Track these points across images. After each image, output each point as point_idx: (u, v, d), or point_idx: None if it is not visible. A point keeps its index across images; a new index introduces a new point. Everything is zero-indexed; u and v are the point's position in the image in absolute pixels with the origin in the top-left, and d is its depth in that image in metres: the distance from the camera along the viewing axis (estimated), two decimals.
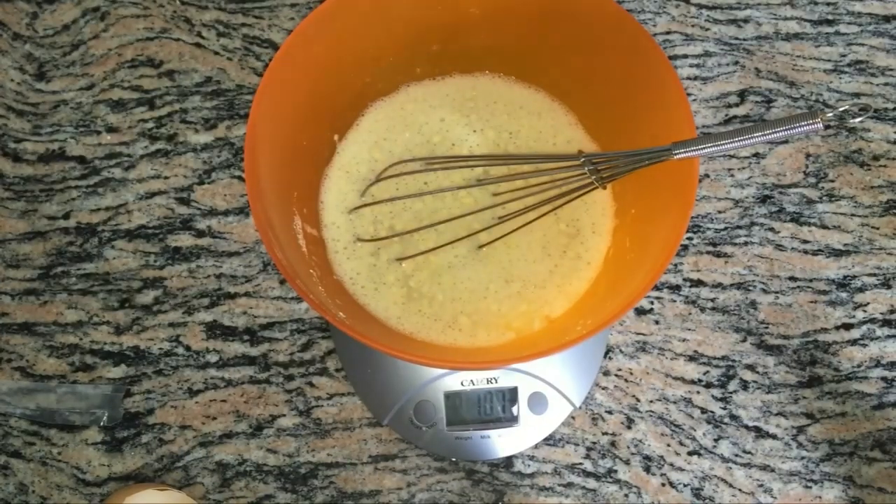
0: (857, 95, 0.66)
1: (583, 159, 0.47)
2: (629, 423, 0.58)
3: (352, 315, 0.49)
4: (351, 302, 0.52)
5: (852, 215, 0.62)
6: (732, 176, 0.63)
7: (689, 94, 0.65)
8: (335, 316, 0.42)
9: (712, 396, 0.58)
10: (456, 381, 0.57)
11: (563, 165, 0.49)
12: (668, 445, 0.57)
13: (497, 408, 0.57)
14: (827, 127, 0.40)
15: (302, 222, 0.51)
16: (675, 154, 0.43)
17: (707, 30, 0.67)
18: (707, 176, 0.64)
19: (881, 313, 0.60)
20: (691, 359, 0.59)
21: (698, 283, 0.61)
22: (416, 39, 0.54)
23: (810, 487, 0.57)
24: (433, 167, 0.54)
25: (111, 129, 0.64)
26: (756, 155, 0.64)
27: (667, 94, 0.46)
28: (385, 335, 0.51)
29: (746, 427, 0.58)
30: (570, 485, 0.57)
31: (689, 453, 0.57)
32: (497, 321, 0.52)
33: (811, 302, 0.60)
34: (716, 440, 0.58)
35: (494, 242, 0.53)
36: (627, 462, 0.57)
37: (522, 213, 0.52)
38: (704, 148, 0.42)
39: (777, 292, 0.61)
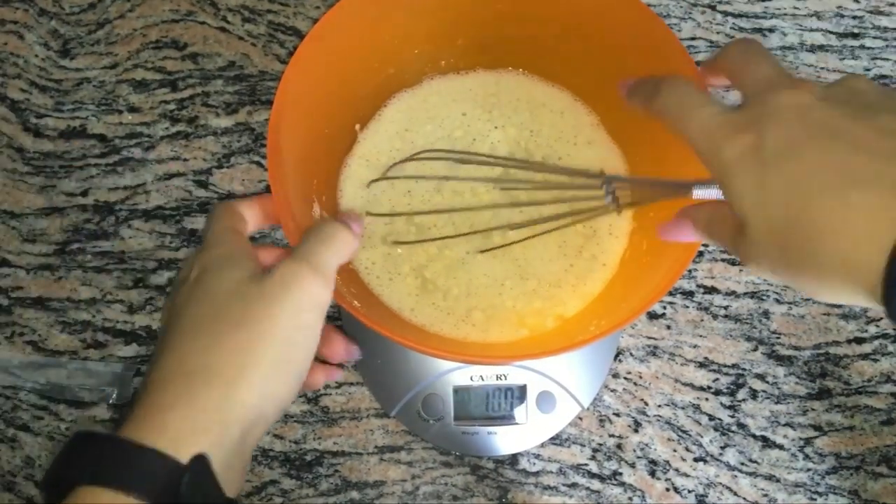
0: None
1: (602, 182, 0.46)
2: (636, 426, 0.58)
3: (366, 305, 0.49)
4: (365, 291, 0.52)
5: None
6: None
7: None
8: (351, 304, 0.42)
9: (721, 404, 0.58)
10: (465, 376, 0.57)
11: (582, 183, 0.49)
12: (675, 451, 0.57)
13: (505, 405, 0.57)
14: None
15: (321, 210, 0.51)
16: (695, 193, 0.42)
17: (732, 37, 0.67)
18: None
19: (894, 329, 0.60)
20: (701, 365, 0.59)
21: (712, 290, 0.61)
22: (443, 32, 0.54)
23: (815, 500, 0.57)
24: (453, 157, 0.54)
25: (133, 109, 0.64)
26: None
27: None
28: (398, 326, 0.51)
29: (753, 436, 0.58)
30: (574, 485, 0.57)
31: (695, 459, 0.57)
32: (511, 318, 0.52)
33: (824, 314, 0.60)
34: (722, 448, 0.58)
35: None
36: (633, 465, 0.57)
37: (538, 223, 0.52)
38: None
39: (790, 303, 0.60)
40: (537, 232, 0.52)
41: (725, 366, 0.59)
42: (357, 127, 0.56)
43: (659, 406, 0.58)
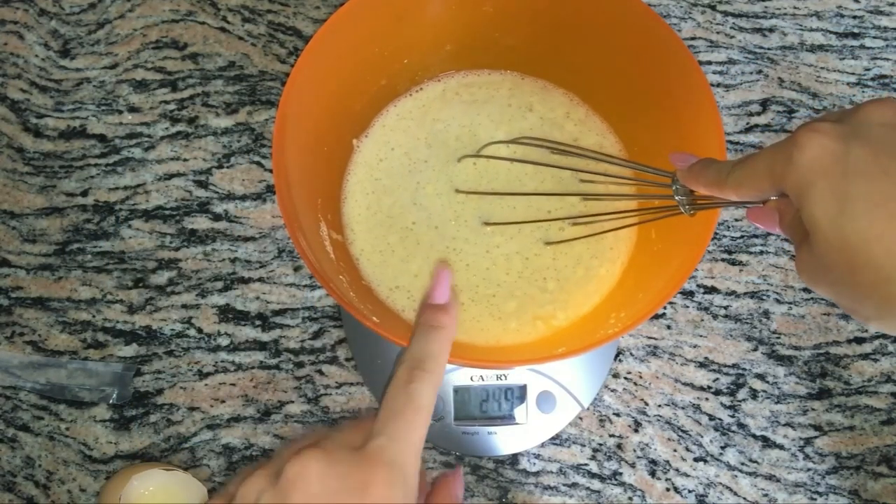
0: None
1: (673, 181, 0.42)
2: (636, 426, 0.58)
3: (381, 317, 0.49)
4: (379, 304, 0.52)
5: None
6: None
7: None
8: (371, 320, 0.42)
9: (721, 404, 0.58)
10: (465, 376, 0.57)
11: (651, 179, 0.44)
12: (675, 451, 0.57)
13: (505, 405, 0.57)
14: None
15: (328, 228, 0.51)
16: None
17: (732, 37, 0.67)
18: None
19: None
20: (701, 365, 0.59)
21: (712, 290, 0.61)
22: (431, 40, 0.54)
23: (815, 500, 0.57)
24: (547, 145, 0.53)
25: (133, 109, 0.64)
26: None
27: (696, 100, 0.46)
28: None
29: (754, 436, 0.58)
30: (574, 485, 0.57)
31: (696, 459, 0.57)
32: (526, 313, 0.52)
33: (824, 314, 0.60)
34: (722, 448, 0.57)
35: (526, 238, 0.53)
36: (633, 465, 0.57)
37: (603, 218, 0.51)
38: None
39: (790, 303, 0.60)
40: (597, 231, 0.51)
41: (725, 366, 0.59)
42: (354, 141, 0.56)
43: (659, 406, 0.58)
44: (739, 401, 0.58)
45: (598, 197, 0.52)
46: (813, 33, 0.67)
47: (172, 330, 0.59)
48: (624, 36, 0.50)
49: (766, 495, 0.57)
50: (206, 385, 0.58)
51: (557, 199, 0.54)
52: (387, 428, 0.30)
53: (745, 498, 0.57)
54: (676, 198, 0.41)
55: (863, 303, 0.29)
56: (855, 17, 0.68)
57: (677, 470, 0.57)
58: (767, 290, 0.61)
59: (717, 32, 0.67)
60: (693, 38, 0.67)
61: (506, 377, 0.57)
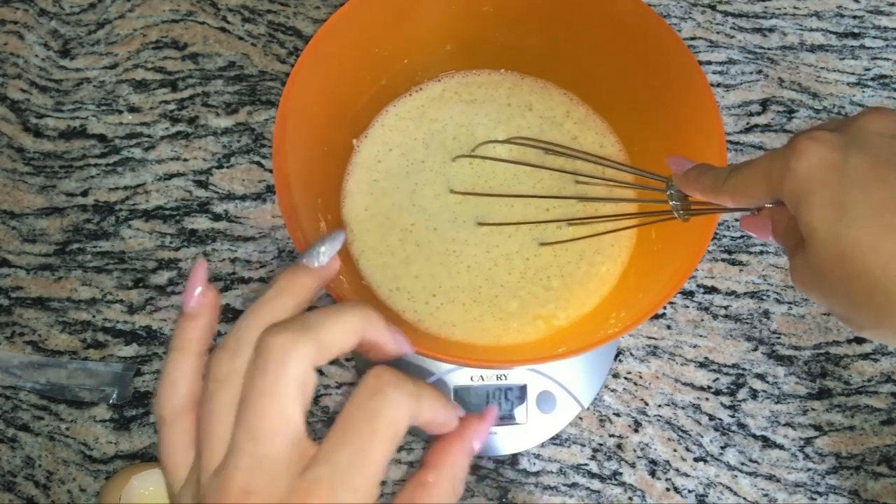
0: None
1: (667, 186, 0.42)
2: (636, 426, 0.58)
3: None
4: (379, 305, 0.52)
5: None
6: None
7: None
8: None
9: (721, 404, 0.58)
10: (465, 376, 0.57)
11: (646, 183, 0.44)
12: (675, 451, 0.57)
13: (505, 405, 0.57)
14: None
15: (328, 229, 0.51)
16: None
17: (732, 37, 0.67)
18: None
19: None
20: (701, 365, 0.59)
21: (712, 289, 0.61)
22: (431, 40, 0.54)
23: (815, 500, 0.57)
24: (540, 146, 0.54)
25: (133, 109, 0.64)
26: None
27: (696, 100, 0.46)
28: (412, 334, 0.50)
29: (754, 436, 0.58)
30: (574, 485, 0.57)
31: (696, 459, 0.57)
32: (527, 313, 0.52)
33: (824, 314, 0.60)
34: (722, 448, 0.58)
35: (524, 237, 0.53)
36: (633, 465, 0.57)
37: (598, 220, 0.51)
38: None
39: (791, 303, 0.60)
40: (593, 233, 0.52)
41: (725, 366, 0.59)
42: (354, 141, 0.56)
43: (659, 406, 0.58)
44: (739, 401, 0.58)
45: (594, 199, 0.52)
46: (813, 33, 0.68)
47: (172, 330, 0.59)
48: (624, 36, 0.50)
49: (766, 495, 0.57)
50: None
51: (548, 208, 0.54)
52: (332, 455, 0.24)
53: (745, 498, 0.57)
54: (671, 203, 0.41)
55: (857, 311, 0.30)
56: (855, 17, 0.68)
57: (677, 470, 0.57)
58: (767, 290, 0.61)
59: (717, 32, 0.67)
60: (693, 38, 0.67)
61: (506, 377, 0.57)
